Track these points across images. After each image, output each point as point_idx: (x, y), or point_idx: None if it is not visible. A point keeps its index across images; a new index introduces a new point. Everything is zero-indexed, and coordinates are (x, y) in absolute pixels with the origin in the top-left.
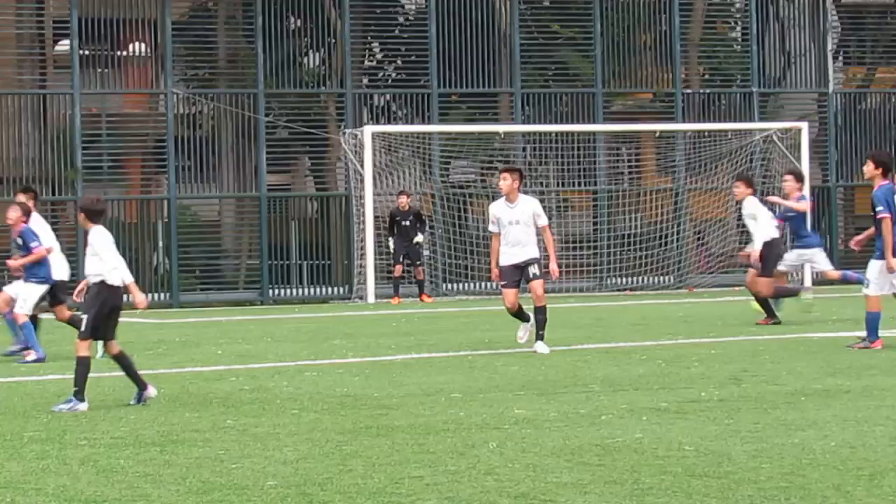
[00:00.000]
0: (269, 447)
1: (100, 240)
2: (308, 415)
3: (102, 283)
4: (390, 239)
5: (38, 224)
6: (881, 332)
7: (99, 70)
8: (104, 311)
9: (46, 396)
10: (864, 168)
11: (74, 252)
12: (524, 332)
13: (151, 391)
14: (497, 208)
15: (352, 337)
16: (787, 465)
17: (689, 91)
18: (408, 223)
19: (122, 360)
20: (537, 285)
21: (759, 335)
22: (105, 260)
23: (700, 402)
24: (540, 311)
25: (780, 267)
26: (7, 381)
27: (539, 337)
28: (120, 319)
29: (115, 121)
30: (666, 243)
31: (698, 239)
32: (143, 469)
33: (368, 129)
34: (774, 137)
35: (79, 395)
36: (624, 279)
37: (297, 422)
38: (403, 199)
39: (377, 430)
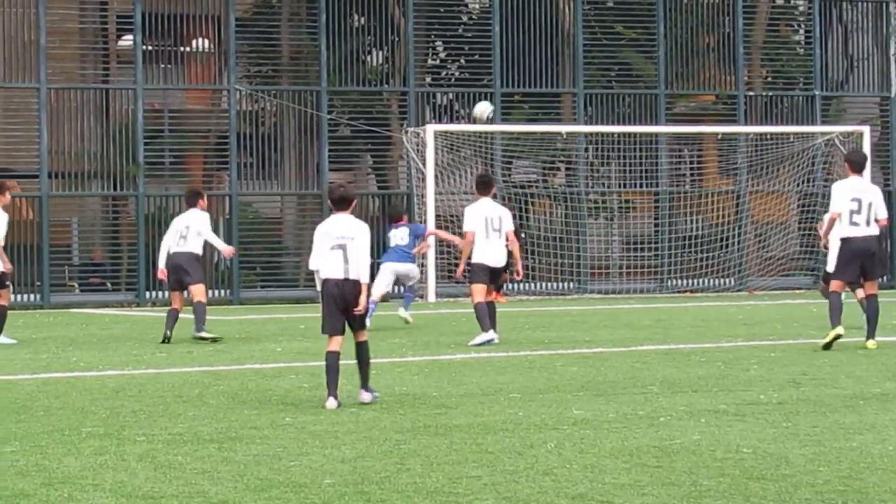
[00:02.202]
0: (328, 445)
1: None
2: (366, 413)
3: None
4: None
5: None
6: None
7: (162, 65)
8: (324, 303)
9: (105, 392)
10: None
11: (134, 243)
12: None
13: (366, 396)
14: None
15: (411, 335)
16: (845, 469)
17: (751, 93)
18: None
19: (358, 353)
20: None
21: (818, 338)
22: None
23: (759, 404)
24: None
25: None
26: (66, 377)
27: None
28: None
29: (178, 116)
30: (727, 245)
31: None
32: (200, 466)
33: (431, 128)
34: (836, 141)
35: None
36: (684, 281)
37: (355, 420)
38: None
39: (436, 429)
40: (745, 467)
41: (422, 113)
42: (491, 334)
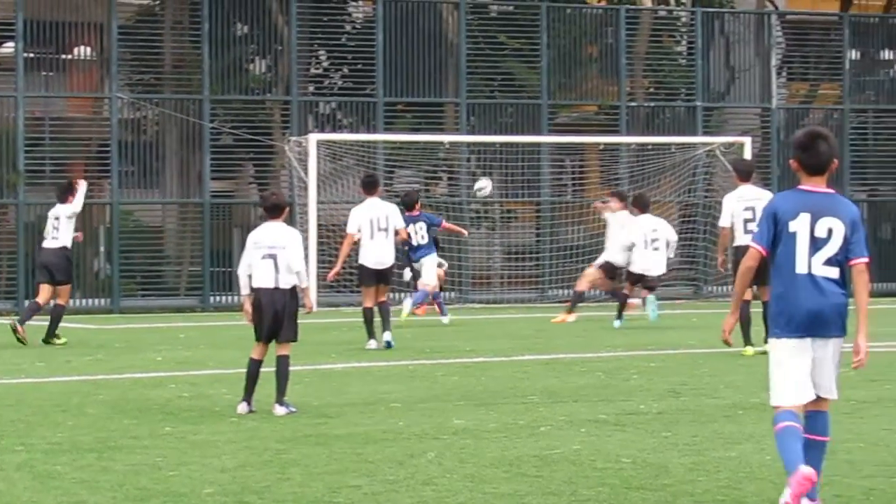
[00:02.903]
0: (208, 454)
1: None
2: (247, 423)
3: None
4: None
5: None
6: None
7: (43, 73)
8: (255, 311)
9: None
10: None
11: (14, 252)
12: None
13: (280, 410)
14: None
15: (293, 345)
16: (724, 479)
17: (633, 104)
18: None
19: (278, 365)
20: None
21: (699, 348)
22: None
23: (639, 414)
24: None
25: None
26: None
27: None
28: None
29: (59, 125)
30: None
31: None
32: (79, 475)
33: (313, 137)
34: (717, 152)
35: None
36: (566, 290)
37: (235, 429)
38: None
39: (316, 438)
40: (625, 477)
41: (304, 122)
42: (371, 343)
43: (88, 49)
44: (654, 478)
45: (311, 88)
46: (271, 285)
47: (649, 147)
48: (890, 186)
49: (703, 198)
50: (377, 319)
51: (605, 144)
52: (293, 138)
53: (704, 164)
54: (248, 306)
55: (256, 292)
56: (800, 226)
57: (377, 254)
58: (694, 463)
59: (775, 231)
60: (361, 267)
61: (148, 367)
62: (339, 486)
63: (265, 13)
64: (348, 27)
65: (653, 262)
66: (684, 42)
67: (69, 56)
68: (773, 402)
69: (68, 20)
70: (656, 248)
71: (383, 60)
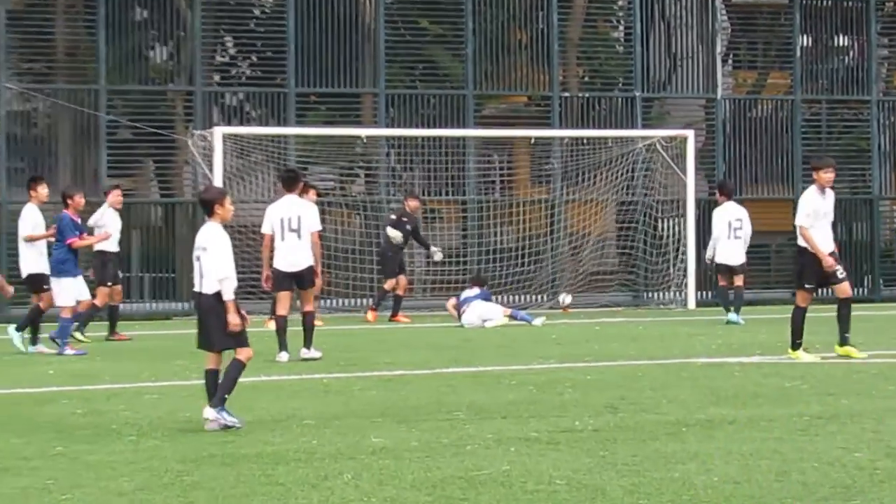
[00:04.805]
0: (104, 477)
1: None
2: (147, 441)
3: None
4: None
5: None
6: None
7: None
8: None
9: None
10: None
11: None
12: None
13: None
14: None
15: (196, 357)
16: (666, 501)
17: (566, 94)
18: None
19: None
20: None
21: (638, 360)
22: None
23: (573, 431)
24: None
25: None
26: None
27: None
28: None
29: None
30: (540, 259)
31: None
32: None
33: (219, 131)
34: (658, 146)
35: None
36: (494, 297)
37: (134, 449)
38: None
39: (222, 458)
40: (559, 500)
41: (209, 114)
42: (283, 356)
43: None
44: (590, 501)
45: (216, 78)
46: (196, 289)
47: (584, 141)
48: (844, 183)
49: (643, 196)
50: (291, 329)
51: (536, 138)
52: (197, 132)
53: (644, 160)
54: None
55: (195, 295)
56: None
57: (289, 256)
58: (633, 485)
59: None
60: (275, 271)
61: (38, 382)
62: None
63: None
64: (257, 12)
65: (733, 252)
66: (621, 27)
67: None
68: None
69: None
70: (738, 237)
71: (295, 48)
